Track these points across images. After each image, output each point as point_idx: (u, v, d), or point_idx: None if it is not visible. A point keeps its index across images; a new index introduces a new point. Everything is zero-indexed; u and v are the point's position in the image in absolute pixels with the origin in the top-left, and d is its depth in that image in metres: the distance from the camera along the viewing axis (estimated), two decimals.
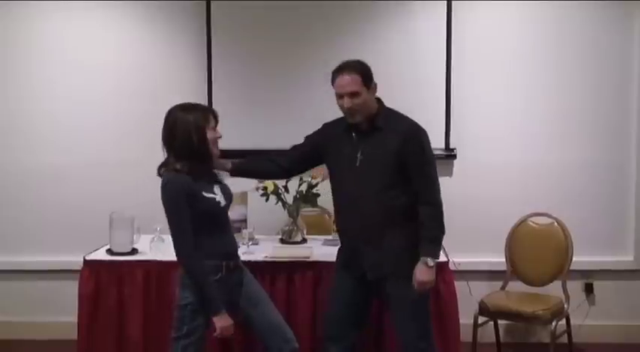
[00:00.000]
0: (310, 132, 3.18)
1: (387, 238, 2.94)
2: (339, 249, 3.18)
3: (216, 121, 2.90)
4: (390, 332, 3.29)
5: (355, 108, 2.91)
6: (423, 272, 2.89)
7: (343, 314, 3.08)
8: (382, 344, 3.40)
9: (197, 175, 2.81)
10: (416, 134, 2.93)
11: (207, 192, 2.84)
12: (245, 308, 2.98)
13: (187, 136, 2.78)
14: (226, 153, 3.09)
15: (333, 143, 3.05)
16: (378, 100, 3.00)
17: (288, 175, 3.42)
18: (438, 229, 2.94)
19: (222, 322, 2.81)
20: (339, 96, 2.93)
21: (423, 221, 2.90)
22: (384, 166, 2.91)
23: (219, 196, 2.89)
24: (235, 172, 3.20)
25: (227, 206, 2.96)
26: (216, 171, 3.02)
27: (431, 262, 2.88)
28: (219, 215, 2.92)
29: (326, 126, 3.14)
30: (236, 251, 3.01)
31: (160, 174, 2.86)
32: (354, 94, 2.89)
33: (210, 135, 2.83)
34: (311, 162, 3.22)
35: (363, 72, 2.91)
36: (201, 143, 2.80)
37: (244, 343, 3.39)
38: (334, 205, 3.13)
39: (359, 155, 2.95)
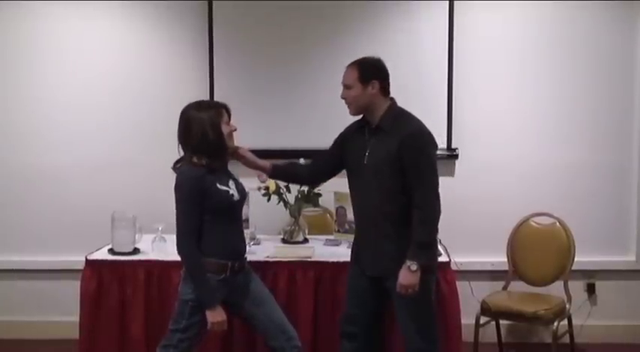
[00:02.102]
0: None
1: (384, 238, 2.95)
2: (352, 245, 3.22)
3: (229, 115, 2.97)
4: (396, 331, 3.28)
5: (347, 101, 3.02)
6: (404, 276, 2.87)
7: (356, 312, 3.10)
8: (386, 342, 3.40)
9: (213, 169, 2.88)
10: (415, 136, 2.92)
11: (221, 184, 2.90)
12: (249, 308, 3.02)
13: (203, 133, 2.85)
14: None
15: (349, 140, 3.12)
16: (391, 100, 3.04)
17: (315, 181, 3.44)
18: (427, 234, 2.90)
19: (214, 317, 2.86)
20: None
21: (415, 224, 2.88)
22: (384, 167, 2.92)
23: (233, 190, 2.94)
24: (273, 174, 3.25)
25: (241, 201, 3.01)
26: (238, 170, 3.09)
27: (414, 266, 2.85)
28: (232, 208, 2.96)
29: (347, 127, 3.18)
30: (243, 251, 3.04)
31: (175, 169, 2.92)
32: (346, 86, 3.01)
33: (225, 129, 2.91)
34: (338, 165, 3.18)
35: (362, 68, 2.98)
36: (217, 138, 2.87)
37: (245, 341, 3.39)
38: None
39: (367, 153, 2.99)
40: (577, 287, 4.28)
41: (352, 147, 3.08)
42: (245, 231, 3.33)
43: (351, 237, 3.48)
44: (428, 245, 2.92)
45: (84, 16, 4.43)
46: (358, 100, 2.98)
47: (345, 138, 3.15)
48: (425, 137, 2.96)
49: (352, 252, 3.18)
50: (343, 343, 3.15)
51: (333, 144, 3.20)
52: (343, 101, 3.03)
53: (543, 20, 4.36)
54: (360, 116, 3.08)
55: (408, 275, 2.86)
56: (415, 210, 2.88)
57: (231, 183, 2.97)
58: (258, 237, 3.75)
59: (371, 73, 2.98)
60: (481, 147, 4.39)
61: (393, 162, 2.90)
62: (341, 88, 2.93)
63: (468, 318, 3.71)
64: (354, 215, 3.13)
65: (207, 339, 3.18)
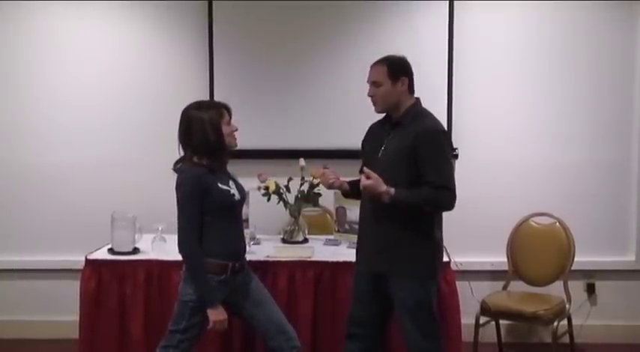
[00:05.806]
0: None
1: (387, 235, 2.95)
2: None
3: (230, 115, 2.98)
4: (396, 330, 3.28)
5: (375, 98, 3.00)
6: (377, 184, 2.83)
7: (361, 313, 3.09)
8: (389, 342, 3.39)
9: (213, 169, 2.90)
10: (429, 131, 2.91)
11: (222, 184, 2.91)
12: (249, 308, 3.03)
13: (204, 134, 2.86)
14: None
15: (370, 139, 3.13)
16: (417, 99, 3.04)
17: None
18: (424, 199, 2.87)
19: (216, 316, 2.87)
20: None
21: (425, 188, 2.85)
22: (396, 162, 2.92)
23: (233, 190, 2.95)
24: (349, 194, 3.21)
25: (241, 201, 3.03)
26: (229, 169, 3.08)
27: (391, 192, 2.83)
28: (233, 208, 2.97)
29: (368, 129, 3.18)
30: (243, 252, 3.05)
31: (175, 169, 2.93)
32: (375, 83, 2.99)
33: (225, 129, 2.92)
34: None
35: (391, 65, 2.98)
36: (218, 139, 2.88)
37: (244, 341, 3.40)
38: None
39: (383, 147, 3.00)
40: (577, 287, 4.28)
41: (371, 142, 3.10)
42: (245, 231, 3.35)
43: (351, 237, 3.49)
44: (414, 202, 2.88)
45: (84, 15, 4.43)
46: (387, 97, 2.98)
47: (366, 140, 3.16)
48: (441, 133, 2.96)
49: (356, 252, 3.16)
50: (348, 344, 3.13)
51: (362, 150, 3.19)
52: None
53: (543, 20, 4.36)
54: (382, 115, 3.09)
55: (378, 188, 2.83)
56: (431, 187, 2.86)
57: (231, 183, 2.98)
58: (258, 236, 3.75)
59: (400, 69, 2.99)
60: (481, 147, 4.39)
61: (404, 157, 2.90)
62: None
63: (467, 318, 3.72)
64: (360, 210, 3.12)
65: (207, 339, 3.18)
